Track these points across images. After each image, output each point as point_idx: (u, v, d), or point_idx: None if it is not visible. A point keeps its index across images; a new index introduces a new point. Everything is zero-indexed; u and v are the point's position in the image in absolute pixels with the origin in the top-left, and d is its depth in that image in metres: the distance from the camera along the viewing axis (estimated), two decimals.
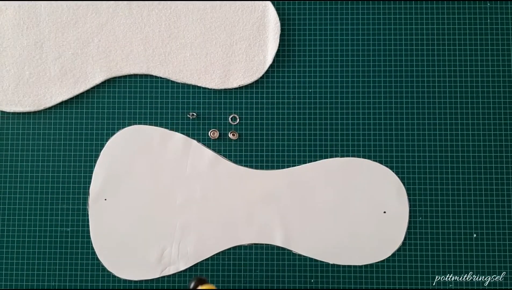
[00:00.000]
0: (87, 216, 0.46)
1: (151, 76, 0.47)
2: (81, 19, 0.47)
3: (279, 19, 0.47)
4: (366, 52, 0.47)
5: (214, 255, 0.45)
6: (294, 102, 0.47)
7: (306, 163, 0.46)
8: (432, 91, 0.46)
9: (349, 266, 0.45)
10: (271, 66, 0.47)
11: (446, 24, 0.47)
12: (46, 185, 0.46)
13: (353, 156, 0.46)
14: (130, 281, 0.45)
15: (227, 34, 0.47)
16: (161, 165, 0.46)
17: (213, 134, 0.46)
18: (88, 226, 0.46)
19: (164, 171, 0.46)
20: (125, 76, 0.47)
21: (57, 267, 0.45)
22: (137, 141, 0.46)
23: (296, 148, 0.46)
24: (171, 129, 0.47)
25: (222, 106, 0.47)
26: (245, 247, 0.45)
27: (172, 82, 0.47)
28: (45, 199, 0.46)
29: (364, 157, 0.46)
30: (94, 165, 0.46)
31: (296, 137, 0.46)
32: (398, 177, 0.45)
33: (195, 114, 0.43)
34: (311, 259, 0.45)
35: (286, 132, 0.46)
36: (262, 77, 0.47)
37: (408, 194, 0.45)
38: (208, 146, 0.46)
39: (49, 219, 0.46)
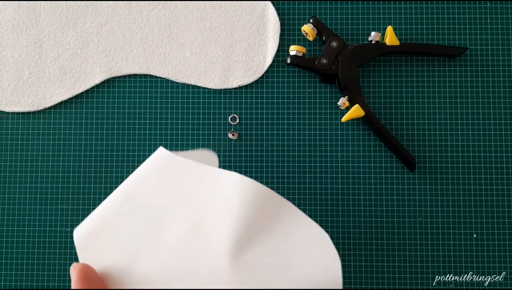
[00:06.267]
0: (87, 216, 0.46)
1: (151, 76, 0.47)
2: (81, 19, 0.47)
3: (279, 19, 0.47)
4: None
5: None
6: (294, 102, 0.47)
7: (306, 163, 0.46)
8: (433, 92, 0.46)
9: (349, 266, 0.45)
10: (271, 66, 0.47)
11: (446, 24, 0.47)
12: (46, 185, 0.46)
13: (353, 156, 0.46)
14: None
15: (227, 34, 0.47)
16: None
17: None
18: None
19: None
20: (124, 76, 0.47)
21: (57, 267, 0.45)
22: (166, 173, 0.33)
23: (296, 148, 0.46)
24: (171, 129, 0.46)
25: (222, 106, 0.47)
26: None
27: (172, 82, 0.47)
28: (45, 199, 0.46)
29: (365, 153, 0.46)
30: (94, 165, 0.46)
31: (296, 138, 0.46)
32: (399, 176, 0.45)
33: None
34: None
35: (286, 132, 0.46)
36: (262, 77, 0.47)
37: (409, 194, 0.45)
38: (208, 146, 0.46)
39: (49, 219, 0.46)
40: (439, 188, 0.45)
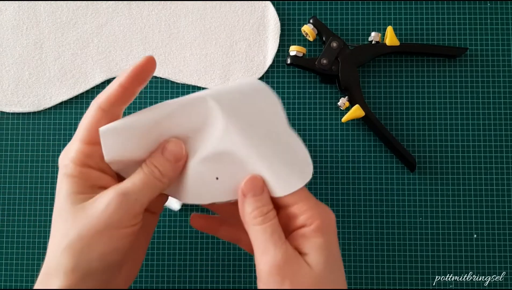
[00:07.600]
0: None
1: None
2: (81, 20, 0.47)
3: (279, 19, 0.47)
4: None
5: (214, 255, 0.45)
6: (294, 102, 0.47)
7: None
8: (433, 92, 0.46)
9: (349, 266, 0.45)
10: (271, 66, 0.47)
11: (446, 24, 0.47)
12: (46, 186, 0.46)
13: (353, 156, 0.46)
14: None
15: (227, 34, 0.47)
16: None
17: None
18: None
19: None
20: None
21: None
22: None
23: None
24: None
25: None
26: None
27: (172, 82, 0.47)
28: (44, 199, 0.46)
29: (365, 153, 0.46)
30: None
31: None
32: (398, 174, 0.45)
33: None
34: None
35: None
36: (262, 78, 0.47)
37: (409, 195, 0.45)
38: None
39: (49, 220, 0.46)
40: (439, 188, 0.45)
